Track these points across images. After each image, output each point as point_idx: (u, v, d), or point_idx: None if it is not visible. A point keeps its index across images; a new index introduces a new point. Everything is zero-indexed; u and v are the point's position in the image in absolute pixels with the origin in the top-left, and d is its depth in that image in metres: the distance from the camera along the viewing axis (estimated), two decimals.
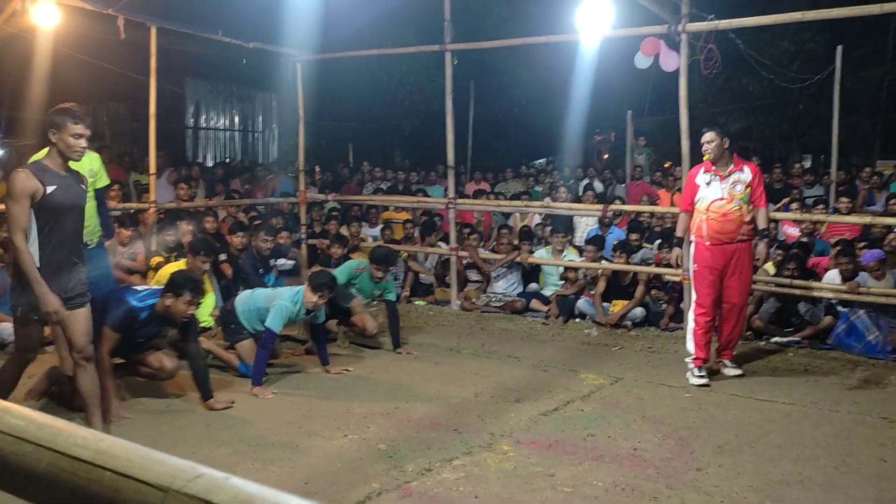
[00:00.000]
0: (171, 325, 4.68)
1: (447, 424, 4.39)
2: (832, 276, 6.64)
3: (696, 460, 3.90)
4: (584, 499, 3.43)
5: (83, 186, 3.92)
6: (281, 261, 7.39)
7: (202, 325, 5.61)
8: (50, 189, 3.65)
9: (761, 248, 5.47)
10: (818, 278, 6.71)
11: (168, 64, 9.09)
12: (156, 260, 6.70)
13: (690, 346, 5.51)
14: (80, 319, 3.86)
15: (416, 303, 8.27)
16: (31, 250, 3.64)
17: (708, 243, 5.40)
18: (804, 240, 7.58)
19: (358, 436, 4.17)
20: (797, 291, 6.52)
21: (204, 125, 13.83)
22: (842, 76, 10.05)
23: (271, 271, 6.91)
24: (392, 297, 6.34)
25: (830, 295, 6.48)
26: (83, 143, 3.73)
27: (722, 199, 5.35)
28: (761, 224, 5.48)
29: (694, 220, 5.51)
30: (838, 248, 6.69)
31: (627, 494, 3.49)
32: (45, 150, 3.83)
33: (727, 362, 5.64)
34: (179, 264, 6.03)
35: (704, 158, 5.47)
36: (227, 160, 13.50)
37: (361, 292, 6.26)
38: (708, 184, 5.42)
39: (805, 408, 4.79)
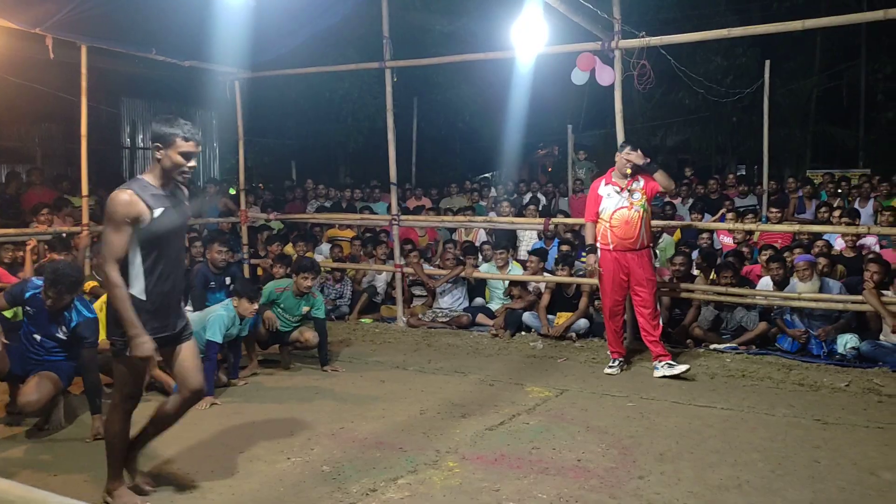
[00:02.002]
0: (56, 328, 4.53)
1: (392, 443, 4.35)
2: (766, 283, 6.85)
3: (639, 468, 3.95)
4: None
5: (187, 204, 3.53)
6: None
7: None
8: (157, 213, 3.23)
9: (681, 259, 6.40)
10: (753, 285, 6.91)
11: (102, 83, 8.90)
12: (90, 284, 6.48)
13: (612, 367, 6.07)
14: (191, 355, 3.53)
15: (363, 320, 8.21)
16: (135, 283, 3.23)
17: (613, 251, 5.92)
18: (744, 249, 7.82)
19: (301, 458, 4.10)
20: (733, 299, 6.71)
21: (141, 145, 13.53)
22: (772, 89, 10.41)
23: (224, 288, 6.70)
24: (320, 314, 6.28)
25: (765, 301, 6.67)
26: (193, 163, 3.33)
27: (624, 207, 5.90)
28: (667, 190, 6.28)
29: (598, 229, 6.00)
30: (768, 255, 6.93)
31: None
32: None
33: (671, 362, 5.82)
34: None
35: (627, 172, 5.93)
36: None
37: (287, 311, 6.18)
38: (609, 195, 5.95)
39: (742, 412, 4.91)
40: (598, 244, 6.02)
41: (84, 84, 6.94)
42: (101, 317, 5.43)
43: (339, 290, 8.46)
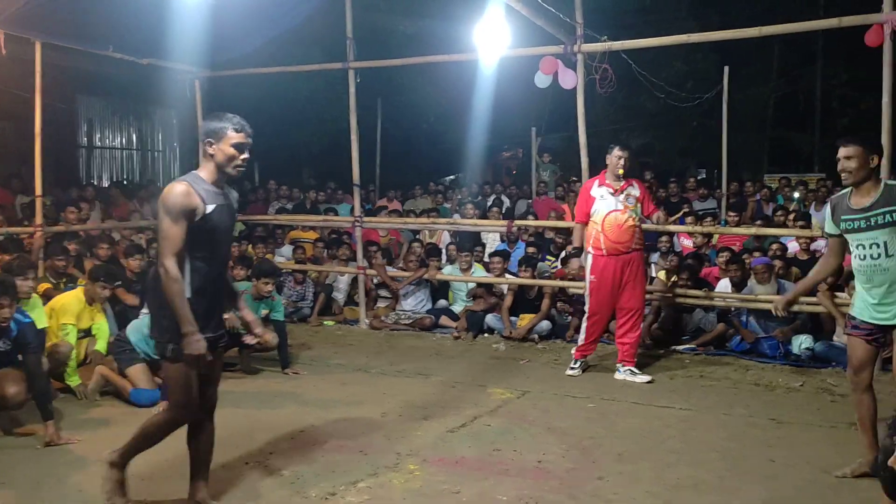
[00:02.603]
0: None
1: (353, 446, 4.32)
2: (724, 285, 6.97)
3: (598, 469, 3.98)
4: None
5: (236, 207, 3.46)
6: None
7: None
8: (210, 208, 3.15)
9: (662, 262, 5.85)
10: (712, 287, 7.02)
11: (57, 80, 8.67)
12: (43, 286, 6.33)
13: (580, 340, 5.98)
14: (219, 366, 3.43)
15: (325, 323, 8.14)
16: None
17: (605, 254, 5.74)
18: (704, 251, 7.94)
19: (260, 463, 4.05)
20: (692, 301, 6.80)
21: (98, 144, 13.23)
22: (731, 94, 10.61)
23: None
24: (280, 316, 6.23)
25: (722, 303, 6.78)
26: (246, 155, 3.24)
27: (617, 210, 5.74)
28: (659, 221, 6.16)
29: (589, 232, 5.83)
30: (726, 257, 7.05)
31: None
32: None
33: (634, 369, 5.84)
34: (76, 292, 5.71)
35: (619, 173, 5.79)
36: (125, 180, 12.95)
37: None
38: (603, 197, 5.77)
39: (700, 413, 4.98)
40: (590, 249, 5.85)
41: (38, 81, 6.79)
42: (52, 322, 5.34)
43: (301, 291, 8.38)
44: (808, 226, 7.71)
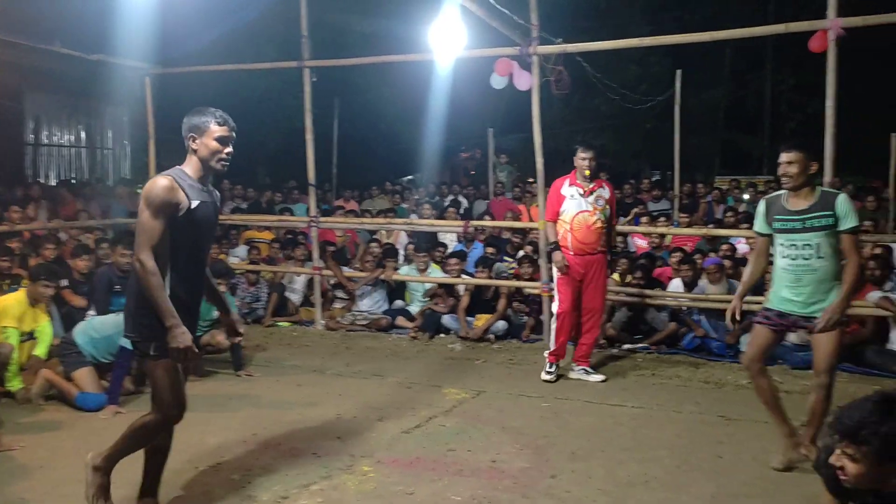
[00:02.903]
0: None
1: (306, 448, 4.28)
2: (676, 285, 7.10)
3: (551, 468, 4.01)
4: None
5: (219, 205, 3.38)
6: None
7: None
8: (194, 204, 3.09)
9: (623, 264, 6.08)
10: (664, 287, 7.15)
11: (4, 76, 8.42)
12: None
13: (552, 344, 5.88)
14: (187, 372, 3.31)
15: (280, 324, 8.05)
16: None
17: (572, 253, 5.78)
18: (659, 252, 8.07)
19: (210, 467, 3.98)
20: (645, 300, 6.90)
21: (46, 141, 12.86)
22: (683, 98, 10.80)
23: None
24: None
25: (674, 303, 6.91)
26: (230, 148, 3.20)
27: (587, 210, 5.76)
28: (613, 241, 6.07)
29: (557, 230, 5.85)
30: (678, 257, 7.18)
31: None
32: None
33: (588, 369, 5.90)
34: (18, 294, 5.54)
35: (586, 174, 5.77)
36: (73, 179, 12.62)
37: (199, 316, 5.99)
38: (573, 196, 5.79)
39: (651, 410, 5.06)
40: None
41: None
42: None
43: (255, 293, 8.26)
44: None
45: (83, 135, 13.49)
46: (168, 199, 3.02)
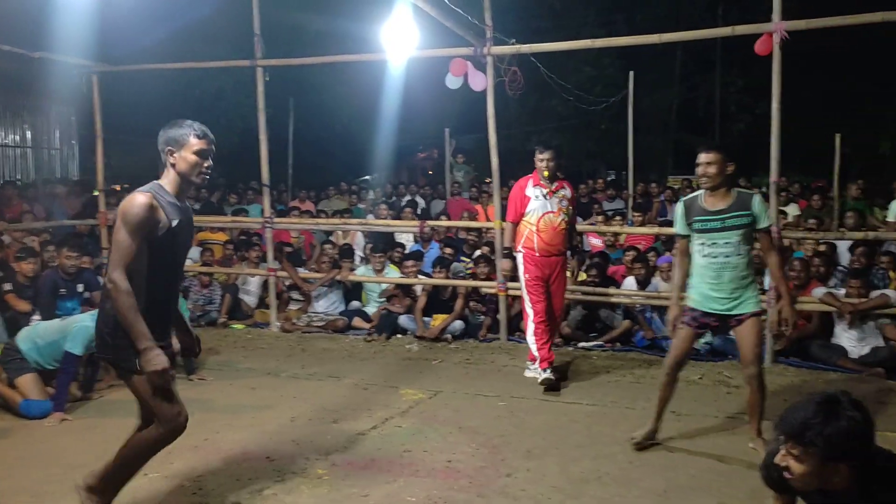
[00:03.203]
0: None
1: (260, 453, 4.22)
2: (630, 283, 7.20)
3: (507, 466, 4.03)
4: None
5: (192, 221, 3.27)
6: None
7: None
8: (174, 223, 3.00)
9: (573, 263, 6.02)
10: (618, 285, 7.24)
11: None
12: None
13: (535, 351, 5.74)
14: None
15: (234, 326, 7.93)
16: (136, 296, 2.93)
17: (538, 255, 5.72)
18: (613, 251, 8.18)
19: (159, 474, 3.89)
20: (600, 298, 6.99)
21: None
22: (636, 99, 10.97)
23: (76, 296, 6.25)
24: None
25: (628, 301, 7.01)
26: (210, 162, 3.10)
27: (552, 211, 5.71)
28: (575, 239, 6.03)
29: (521, 231, 5.76)
30: (632, 256, 7.29)
31: None
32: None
33: (530, 364, 5.91)
34: None
35: (545, 174, 5.70)
36: (18, 179, 12.24)
37: None
38: (537, 197, 5.72)
39: (605, 408, 5.13)
40: (520, 248, 5.76)
41: None
42: None
43: (208, 295, 8.13)
44: None
45: (28, 134, 13.09)
46: (146, 218, 2.93)
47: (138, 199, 2.94)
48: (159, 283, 3.06)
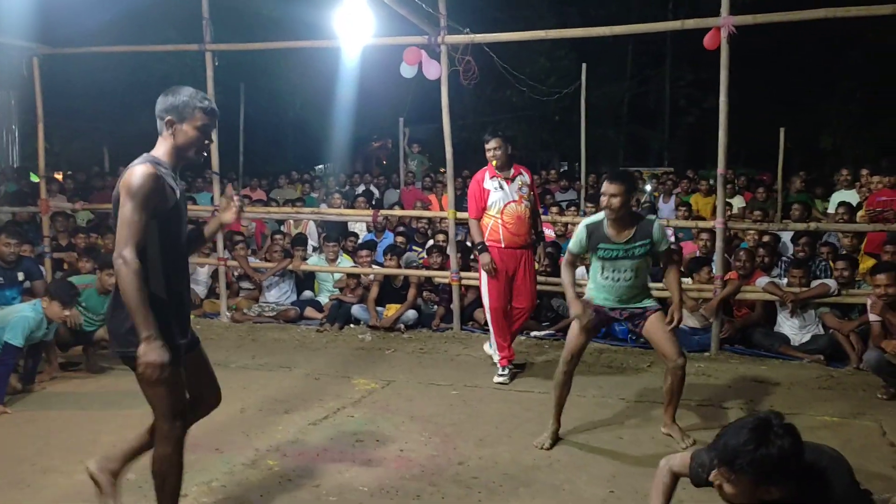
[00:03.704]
0: None
1: (208, 445, 4.14)
2: (582, 273, 7.27)
3: (459, 455, 4.05)
4: None
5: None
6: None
7: None
8: (178, 194, 2.81)
9: (540, 250, 5.87)
10: None
11: None
12: None
13: (494, 350, 5.67)
14: (206, 363, 3.11)
15: None
16: (154, 279, 2.72)
17: (503, 246, 5.56)
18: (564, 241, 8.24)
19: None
20: (552, 287, 7.06)
21: None
22: (589, 91, 11.07)
23: (16, 285, 6.03)
24: None
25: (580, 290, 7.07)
26: (210, 140, 2.89)
27: (514, 200, 5.52)
28: (539, 226, 5.86)
29: (485, 224, 5.60)
30: None
31: (392, 496, 3.53)
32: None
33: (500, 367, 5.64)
34: None
35: (494, 164, 5.53)
36: None
37: (90, 310, 5.71)
38: (496, 189, 5.54)
39: None
40: (485, 242, 5.58)
41: None
42: None
43: None
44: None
45: None
46: (153, 189, 2.69)
47: (142, 169, 2.69)
48: (174, 269, 2.84)
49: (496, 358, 5.66)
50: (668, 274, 4.39)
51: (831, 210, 8.04)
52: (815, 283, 6.35)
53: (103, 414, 4.72)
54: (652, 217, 4.45)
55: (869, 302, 5.27)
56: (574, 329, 4.29)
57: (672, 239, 8.19)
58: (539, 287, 7.01)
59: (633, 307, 4.27)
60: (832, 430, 4.42)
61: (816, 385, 5.44)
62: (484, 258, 5.56)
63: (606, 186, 4.07)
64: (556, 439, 4.26)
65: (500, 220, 5.53)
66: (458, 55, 6.73)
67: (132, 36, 8.85)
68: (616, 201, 4.04)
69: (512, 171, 5.58)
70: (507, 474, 3.77)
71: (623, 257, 4.16)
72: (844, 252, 6.94)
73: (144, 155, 2.81)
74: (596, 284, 4.31)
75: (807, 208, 8.20)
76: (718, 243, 6.36)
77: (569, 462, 3.93)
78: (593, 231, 4.22)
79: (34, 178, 10.09)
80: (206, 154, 2.97)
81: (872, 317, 5.23)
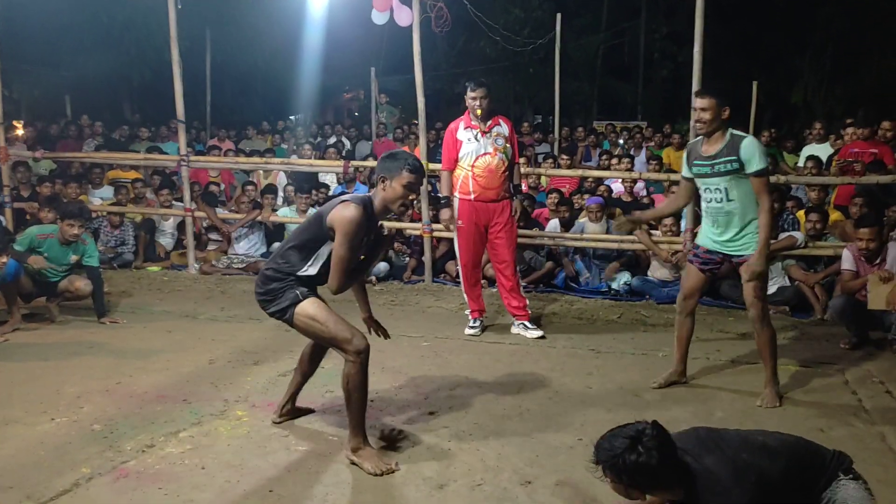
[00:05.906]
0: None
1: (176, 395, 4.10)
2: (554, 225, 7.27)
3: (430, 405, 4.05)
4: (317, 456, 3.42)
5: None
6: None
7: None
8: (364, 239, 3.38)
9: (516, 203, 5.62)
10: (542, 227, 7.31)
11: None
12: None
13: (466, 300, 5.62)
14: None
15: (150, 269, 7.64)
16: (311, 267, 3.52)
17: (473, 198, 5.38)
18: (536, 193, 8.22)
19: (68, 418, 3.74)
20: (524, 240, 7.04)
21: None
22: (563, 44, 10.93)
23: None
24: (93, 261, 5.75)
25: (552, 242, 7.09)
26: (415, 195, 3.42)
27: (488, 153, 5.33)
28: (516, 179, 5.64)
29: (456, 176, 5.44)
30: (555, 198, 7.35)
31: None
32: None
33: (527, 323, 5.52)
34: None
35: (478, 114, 5.34)
36: None
37: (53, 261, 5.58)
38: (470, 140, 5.36)
39: (527, 347, 5.21)
40: (456, 194, 5.43)
41: None
42: None
43: (119, 236, 7.78)
44: (632, 169, 8.20)
45: None
46: (360, 232, 3.28)
47: (356, 214, 3.22)
48: (325, 262, 3.48)
49: (471, 331, 5.51)
50: (759, 204, 3.94)
51: (801, 164, 8.09)
52: (782, 236, 6.41)
53: (66, 364, 4.64)
54: (747, 135, 4.06)
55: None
56: (689, 270, 4.28)
57: (644, 192, 8.19)
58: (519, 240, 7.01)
59: (735, 255, 4.05)
60: (796, 379, 4.50)
61: (781, 336, 5.50)
62: (444, 213, 5.43)
63: (696, 101, 3.98)
64: (672, 381, 4.31)
65: (470, 173, 5.37)
66: (431, 1, 6.56)
67: None
68: (707, 115, 3.92)
69: (490, 121, 5.40)
70: (478, 423, 3.78)
71: (711, 174, 3.97)
72: (811, 205, 7.00)
73: (363, 196, 3.40)
74: (703, 214, 4.18)
75: (775, 161, 8.24)
76: None
77: (538, 411, 3.96)
78: (691, 149, 4.17)
79: None
80: (406, 210, 3.66)
81: (846, 264, 5.34)
